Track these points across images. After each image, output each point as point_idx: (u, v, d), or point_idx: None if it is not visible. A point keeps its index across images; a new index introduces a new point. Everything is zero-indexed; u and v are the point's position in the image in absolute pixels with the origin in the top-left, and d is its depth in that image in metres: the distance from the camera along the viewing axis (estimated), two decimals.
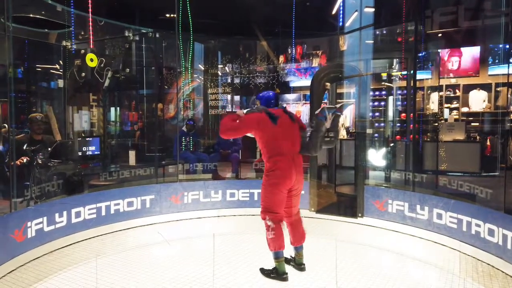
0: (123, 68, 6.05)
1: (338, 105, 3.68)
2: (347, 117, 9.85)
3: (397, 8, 6.71)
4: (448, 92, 10.08)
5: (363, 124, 5.73)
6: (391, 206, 5.08)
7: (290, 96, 10.81)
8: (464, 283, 3.52)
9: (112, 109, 7.99)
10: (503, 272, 3.72)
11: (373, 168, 6.53)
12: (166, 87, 8.68)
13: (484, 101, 9.70)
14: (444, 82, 9.90)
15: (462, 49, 9.86)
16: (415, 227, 4.82)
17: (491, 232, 3.89)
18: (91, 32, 5.70)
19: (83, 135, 6.53)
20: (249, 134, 3.66)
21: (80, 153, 5.77)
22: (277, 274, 3.51)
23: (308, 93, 9.54)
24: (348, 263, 3.92)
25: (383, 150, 7.26)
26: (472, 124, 9.52)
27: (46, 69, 7.30)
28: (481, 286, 3.47)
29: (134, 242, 4.62)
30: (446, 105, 9.87)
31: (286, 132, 3.53)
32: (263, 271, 3.61)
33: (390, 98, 8.94)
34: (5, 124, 5.92)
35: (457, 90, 10.05)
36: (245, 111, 3.72)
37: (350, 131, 9.56)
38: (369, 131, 5.81)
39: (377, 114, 10.16)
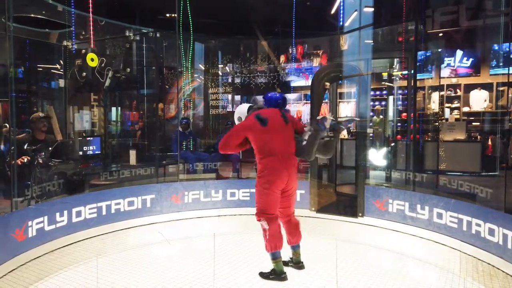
0: (123, 68, 6.06)
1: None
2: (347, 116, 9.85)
3: (398, 7, 6.73)
4: (449, 92, 10.07)
5: (363, 124, 5.73)
6: (391, 205, 5.08)
7: (291, 96, 10.80)
8: (464, 282, 3.52)
9: (113, 109, 8.00)
10: (503, 271, 3.72)
11: (373, 167, 6.54)
12: (166, 87, 8.69)
13: (485, 100, 9.68)
14: (445, 81, 9.88)
15: (462, 48, 9.84)
16: (415, 227, 4.83)
17: (491, 232, 3.89)
18: (91, 32, 5.70)
19: (84, 134, 6.54)
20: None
21: (81, 153, 5.79)
22: (276, 274, 3.52)
23: (308, 92, 9.54)
24: (348, 263, 3.93)
25: (383, 149, 7.26)
26: (473, 123, 9.51)
27: (47, 69, 7.30)
28: (482, 286, 3.47)
29: (134, 241, 4.63)
30: (447, 105, 9.85)
31: (277, 133, 3.51)
32: (262, 274, 3.61)
33: (391, 98, 8.95)
34: (6, 124, 5.93)
35: (458, 90, 10.04)
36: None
37: (351, 130, 9.55)
38: (369, 130, 5.81)
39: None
